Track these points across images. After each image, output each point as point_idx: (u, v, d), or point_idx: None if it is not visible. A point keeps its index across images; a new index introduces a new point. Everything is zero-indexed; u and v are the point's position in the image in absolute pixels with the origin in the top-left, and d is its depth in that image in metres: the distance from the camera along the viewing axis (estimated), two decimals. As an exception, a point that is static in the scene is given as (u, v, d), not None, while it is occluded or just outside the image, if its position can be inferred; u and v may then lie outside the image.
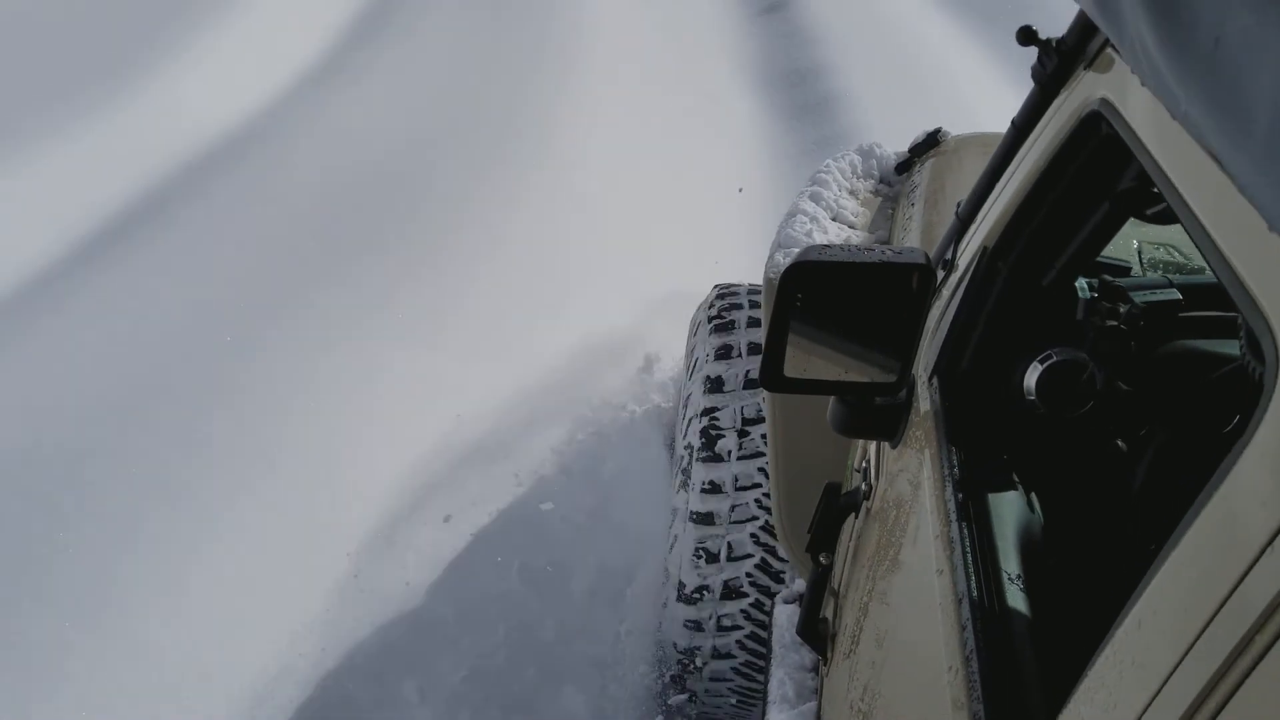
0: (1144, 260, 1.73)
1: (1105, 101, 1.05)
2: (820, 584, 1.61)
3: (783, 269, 1.14)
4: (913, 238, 2.02)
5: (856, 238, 2.18)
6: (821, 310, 1.18)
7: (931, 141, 2.29)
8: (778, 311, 1.16)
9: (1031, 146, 1.29)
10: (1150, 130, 0.91)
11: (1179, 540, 0.67)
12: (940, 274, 1.49)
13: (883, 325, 1.20)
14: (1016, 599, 1.05)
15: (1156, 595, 0.68)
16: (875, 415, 1.38)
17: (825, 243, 1.68)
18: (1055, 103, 1.25)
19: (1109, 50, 1.09)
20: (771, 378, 1.21)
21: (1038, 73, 1.29)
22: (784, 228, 2.21)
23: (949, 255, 1.50)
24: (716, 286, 2.59)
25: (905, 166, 2.31)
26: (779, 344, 1.19)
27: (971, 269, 1.33)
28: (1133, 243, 1.73)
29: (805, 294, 1.15)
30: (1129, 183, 1.15)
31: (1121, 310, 1.38)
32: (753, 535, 2.24)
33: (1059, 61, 1.23)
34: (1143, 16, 0.75)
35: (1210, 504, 0.64)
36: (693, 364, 2.45)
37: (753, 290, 2.48)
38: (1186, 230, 0.80)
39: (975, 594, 1.02)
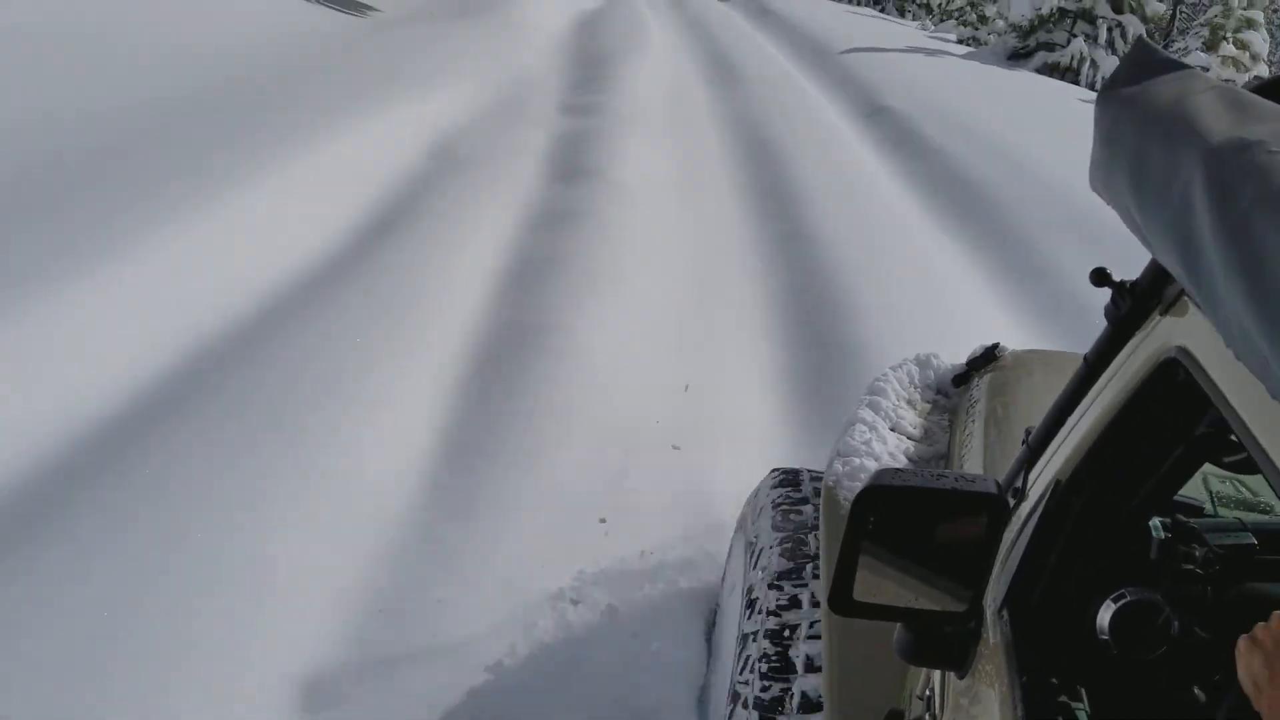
0: (1213, 493, 1.72)
1: (1183, 350, 1.07)
2: None
3: (857, 489, 1.16)
4: (973, 455, 2.03)
5: (915, 450, 2.20)
6: (893, 534, 1.19)
7: (989, 356, 2.33)
8: (849, 534, 1.17)
9: (1106, 385, 1.30)
10: (1233, 384, 0.93)
11: None
12: (1011, 502, 1.49)
13: (954, 553, 1.20)
14: None
15: None
16: (944, 644, 1.36)
17: (895, 467, 1.70)
18: (1130, 343, 1.27)
19: (1185, 299, 1.10)
20: (841, 602, 1.20)
21: (1111, 313, 1.32)
22: (843, 436, 2.24)
23: (1019, 484, 1.50)
24: (774, 470, 2.58)
25: (962, 379, 2.35)
26: (850, 567, 1.19)
27: (1044, 501, 1.33)
28: (1200, 479, 1.73)
29: (878, 517, 1.16)
30: (1206, 428, 1.17)
31: (1197, 553, 1.37)
32: None
33: (1133, 304, 1.26)
34: (1238, 292, 0.77)
35: None
36: (755, 556, 2.37)
37: (813, 477, 2.48)
38: (1272, 487, 0.81)
39: None
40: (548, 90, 9.88)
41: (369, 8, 11.34)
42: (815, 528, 2.31)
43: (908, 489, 1.16)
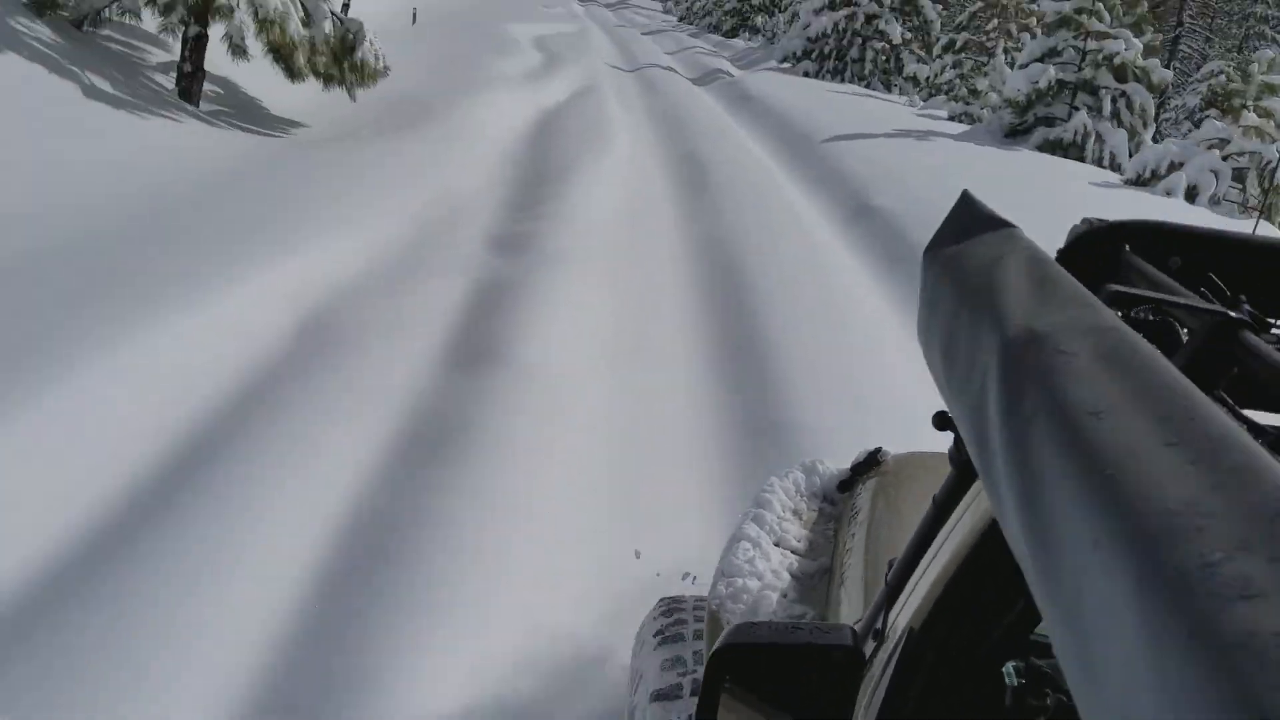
0: None
1: None
2: None
3: (710, 652, 1.22)
4: (854, 570, 2.10)
5: (799, 565, 2.27)
6: (755, 685, 1.25)
7: (872, 461, 2.43)
8: (705, 693, 1.23)
9: (954, 528, 1.36)
10: None
11: None
12: (871, 645, 1.53)
13: (816, 701, 1.26)
14: None
15: None
16: None
17: (751, 620, 1.76)
18: (972, 488, 1.34)
19: None
20: None
21: (954, 457, 1.39)
22: (727, 554, 2.32)
23: (879, 624, 1.54)
24: (661, 600, 2.65)
25: (848, 485, 2.44)
26: None
27: (900, 646, 1.38)
28: None
29: (734, 674, 1.22)
30: None
31: (1049, 700, 1.42)
32: None
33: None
34: (1016, 522, 0.79)
35: None
36: (637, 682, 2.48)
37: (697, 604, 2.54)
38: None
39: None
40: (478, 219, 8.52)
41: (295, 124, 10.81)
42: (695, 649, 2.37)
43: (761, 645, 1.23)
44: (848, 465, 2.48)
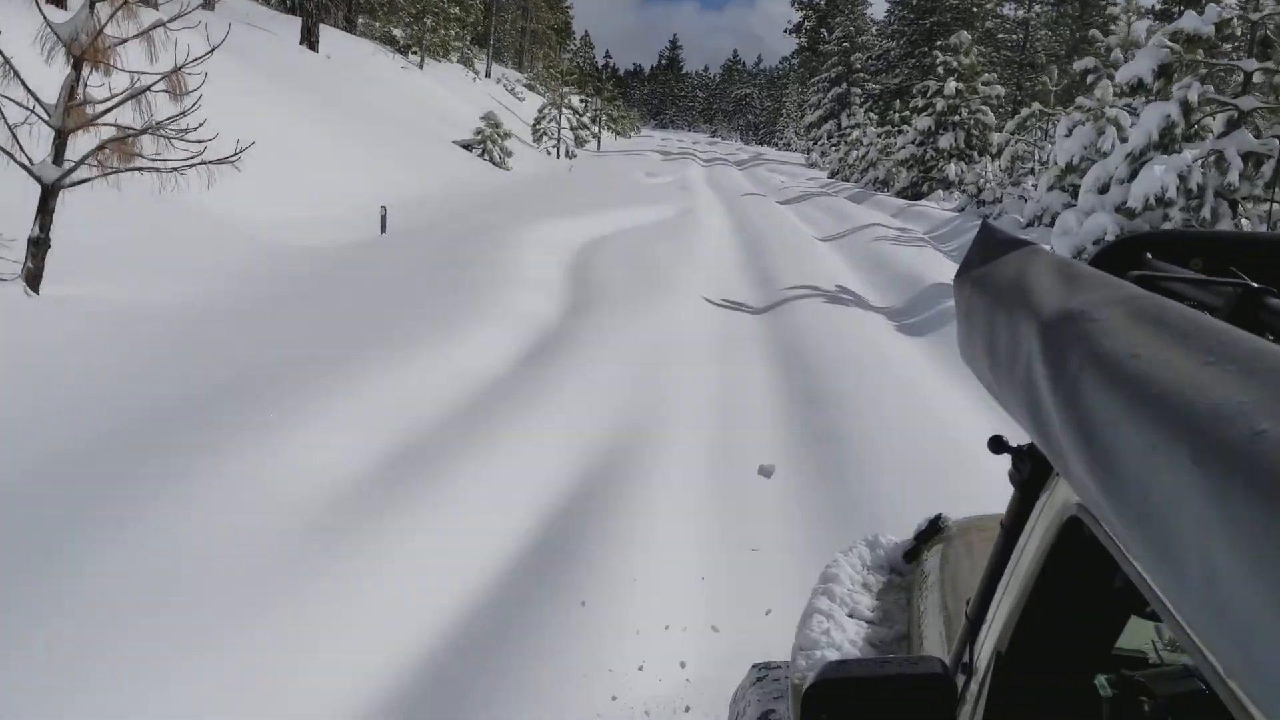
0: (1163, 641, 1.78)
1: (1082, 507, 1.15)
2: None
3: (803, 689, 1.24)
4: (932, 630, 2.16)
5: (875, 634, 2.33)
6: None
7: (934, 529, 2.51)
8: None
9: (1023, 549, 1.39)
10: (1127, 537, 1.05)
11: None
12: (961, 678, 1.56)
13: None
14: None
15: None
16: None
17: (841, 658, 1.79)
18: (1037, 505, 1.37)
19: None
20: None
21: (1014, 478, 1.45)
22: (802, 628, 2.37)
23: (966, 659, 1.57)
24: (755, 666, 2.69)
25: (913, 554, 2.51)
26: None
27: (989, 674, 1.40)
28: (1147, 627, 1.80)
29: (829, 712, 1.24)
30: (1121, 581, 1.25)
31: (1146, 707, 1.44)
32: None
33: (1032, 467, 1.39)
34: (1081, 464, 0.87)
35: None
36: None
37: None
38: (1176, 639, 0.90)
39: None
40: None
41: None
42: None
43: (853, 679, 1.26)
44: (911, 536, 2.56)
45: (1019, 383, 1.08)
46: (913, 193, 28.21)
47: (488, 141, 26.39)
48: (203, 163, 7.09)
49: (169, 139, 7.13)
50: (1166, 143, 11.68)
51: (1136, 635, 1.77)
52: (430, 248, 11.83)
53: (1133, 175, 11.79)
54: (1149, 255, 1.29)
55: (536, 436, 6.01)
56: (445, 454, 5.41)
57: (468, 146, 26.13)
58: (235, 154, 7.24)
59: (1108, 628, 1.34)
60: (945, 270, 13.13)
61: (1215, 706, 1.43)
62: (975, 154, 27.00)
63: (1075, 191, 14.55)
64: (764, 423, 7.17)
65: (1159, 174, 11.10)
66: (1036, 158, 21.88)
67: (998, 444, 1.48)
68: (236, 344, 6.78)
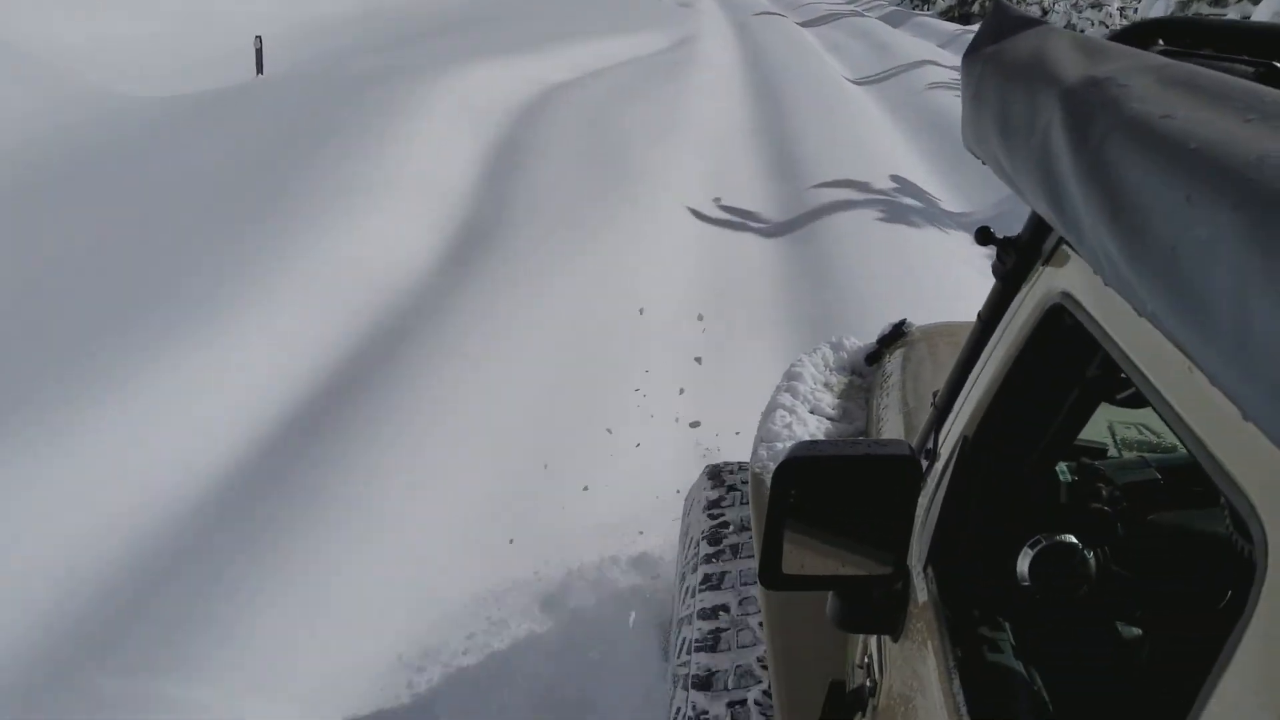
0: (1118, 440, 1.93)
1: (1066, 294, 1.20)
2: None
3: (774, 466, 1.28)
4: (891, 427, 2.26)
5: (835, 429, 2.44)
6: (815, 505, 1.32)
7: (897, 333, 2.60)
8: (773, 508, 1.30)
9: (1000, 339, 1.44)
10: (1114, 321, 1.04)
11: None
12: (924, 463, 1.64)
13: (875, 517, 1.34)
14: None
15: None
16: (874, 609, 1.51)
17: (812, 438, 1.87)
18: (1018, 297, 1.42)
19: (1065, 247, 1.25)
20: (771, 576, 1.34)
21: (997, 269, 1.50)
22: (764, 422, 2.47)
23: (930, 445, 1.67)
24: (706, 468, 2.80)
25: (875, 357, 2.61)
26: (775, 541, 1.32)
27: (954, 458, 1.48)
28: (1104, 424, 1.94)
29: (798, 490, 1.29)
30: (1096, 370, 1.30)
31: (1104, 493, 1.54)
32: None
33: (1017, 258, 1.44)
34: (1102, 227, 0.87)
35: (1215, 694, 0.71)
36: (686, 545, 2.64)
37: (741, 467, 2.70)
38: (1160, 416, 0.90)
39: None
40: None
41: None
42: (743, 513, 2.54)
43: (824, 458, 1.30)
44: (874, 339, 2.65)
45: (1033, 156, 1.07)
46: (960, 12, 23.01)
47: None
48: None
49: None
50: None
51: (1095, 430, 1.87)
52: (293, 108, 7.95)
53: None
54: (1161, 42, 1.29)
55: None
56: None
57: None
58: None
59: (1075, 417, 1.40)
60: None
61: (1171, 492, 1.55)
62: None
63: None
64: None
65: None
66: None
67: (984, 235, 1.51)
68: None
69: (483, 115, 8.55)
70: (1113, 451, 1.86)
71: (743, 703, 2.22)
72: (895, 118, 12.10)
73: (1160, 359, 0.90)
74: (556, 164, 7.69)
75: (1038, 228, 1.39)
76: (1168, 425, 0.89)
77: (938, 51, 17.66)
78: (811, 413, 2.48)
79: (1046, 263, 1.34)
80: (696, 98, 11.41)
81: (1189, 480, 1.56)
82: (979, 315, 1.58)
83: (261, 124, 7.46)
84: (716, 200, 7.82)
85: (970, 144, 1.40)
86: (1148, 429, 1.99)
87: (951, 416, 1.59)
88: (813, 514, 1.33)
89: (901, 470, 1.28)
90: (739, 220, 7.47)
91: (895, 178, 8.61)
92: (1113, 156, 0.85)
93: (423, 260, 5.64)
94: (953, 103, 11.10)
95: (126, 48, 9.59)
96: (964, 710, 1.20)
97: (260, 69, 10.06)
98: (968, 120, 1.38)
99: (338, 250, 5.34)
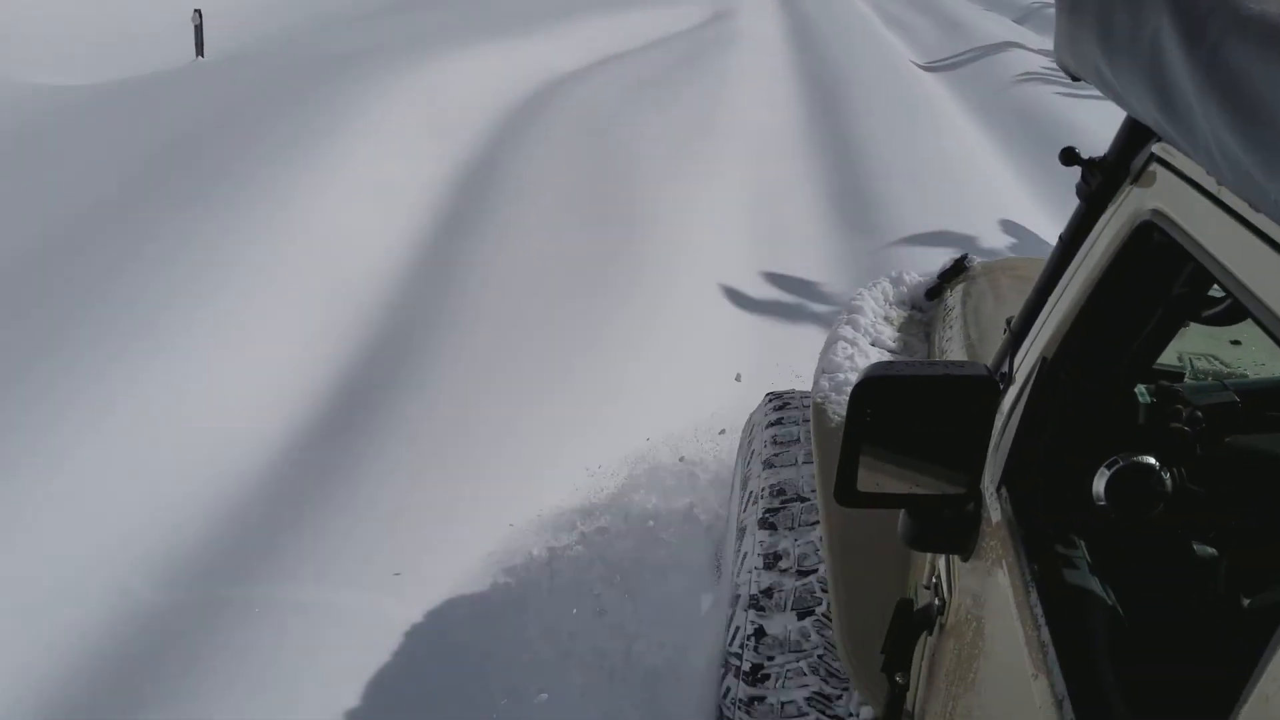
0: (1192, 367, 1.94)
1: (1158, 212, 1.20)
2: (895, 705, 1.75)
3: (854, 385, 1.30)
4: (954, 354, 2.30)
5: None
6: (890, 425, 1.35)
7: (959, 268, 2.63)
8: (849, 427, 1.32)
9: (1083, 259, 1.43)
10: (1214, 234, 1.04)
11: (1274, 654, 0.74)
12: (1000, 386, 1.64)
13: (949, 438, 1.36)
14: (1116, 697, 1.16)
15: (1256, 708, 0.76)
16: (946, 529, 1.52)
17: (889, 359, 1.87)
18: (1103, 217, 1.41)
19: (1155, 165, 1.26)
20: (845, 493, 1.37)
21: (1082, 190, 1.49)
22: (825, 353, 2.51)
23: (1005, 368, 1.66)
24: (767, 395, 2.84)
25: (935, 292, 2.64)
26: (851, 460, 1.35)
27: (1032, 380, 1.46)
28: (1176, 355, 1.94)
29: (874, 409, 1.32)
30: (1182, 289, 1.31)
31: (1183, 414, 1.53)
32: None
33: (1103, 178, 1.43)
34: (1221, 123, 0.87)
35: None
36: (749, 456, 2.68)
37: (803, 397, 2.73)
38: (1260, 325, 0.91)
39: (1076, 694, 1.11)
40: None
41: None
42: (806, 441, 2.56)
43: (901, 379, 1.33)
44: (935, 273, 2.68)
45: (1140, 60, 1.06)
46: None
47: None
48: None
49: None
50: None
51: (1167, 359, 1.88)
52: (215, 107, 6.21)
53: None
54: None
55: None
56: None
57: None
58: None
59: (1158, 338, 1.42)
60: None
61: (1249, 417, 1.58)
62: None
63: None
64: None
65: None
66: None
67: (1069, 156, 1.51)
68: None
69: (449, 128, 6.43)
70: (1188, 378, 1.87)
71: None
72: (988, 126, 9.10)
73: (1265, 267, 0.91)
74: (535, 212, 5.49)
75: (1125, 147, 1.39)
76: (1269, 334, 0.90)
77: (1016, 29, 14.55)
78: (873, 344, 2.52)
79: (1135, 181, 1.34)
80: (735, 94, 9.23)
81: (1266, 404, 1.57)
82: (1060, 237, 1.59)
83: (168, 128, 5.59)
84: (764, 274, 5.28)
85: (1064, 60, 1.38)
86: (1218, 359, 1.99)
87: (1029, 339, 1.59)
88: (888, 434, 1.35)
89: (978, 391, 1.30)
90: (796, 313, 4.81)
91: (1006, 225, 6.03)
92: (1229, 50, 0.86)
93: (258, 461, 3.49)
94: (1058, 105, 8.84)
95: (41, 26, 7.94)
96: (1043, 624, 1.21)
97: (200, 51, 8.12)
98: (1063, 34, 1.36)
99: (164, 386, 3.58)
